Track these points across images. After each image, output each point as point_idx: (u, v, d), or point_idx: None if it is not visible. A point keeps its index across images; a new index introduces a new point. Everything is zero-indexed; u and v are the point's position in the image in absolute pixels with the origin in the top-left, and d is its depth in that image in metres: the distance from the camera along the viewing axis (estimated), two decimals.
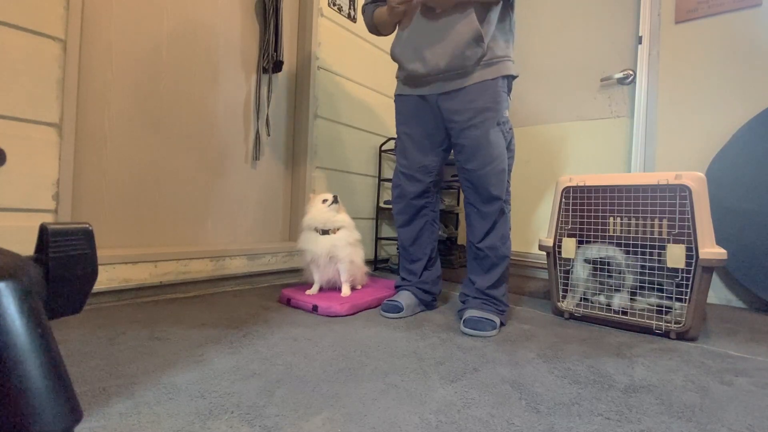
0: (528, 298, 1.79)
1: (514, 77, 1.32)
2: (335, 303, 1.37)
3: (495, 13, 1.24)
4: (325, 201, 1.52)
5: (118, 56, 1.48)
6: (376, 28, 1.48)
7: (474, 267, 1.38)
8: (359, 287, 1.66)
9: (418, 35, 1.29)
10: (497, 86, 1.26)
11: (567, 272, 1.49)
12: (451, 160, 1.48)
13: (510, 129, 1.33)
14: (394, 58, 1.39)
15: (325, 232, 1.49)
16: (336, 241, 1.48)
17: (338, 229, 1.51)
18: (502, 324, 1.29)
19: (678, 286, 1.28)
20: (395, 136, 1.54)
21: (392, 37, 1.45)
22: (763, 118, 1.72)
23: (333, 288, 1.58)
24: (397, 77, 1.46)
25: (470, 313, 1.26)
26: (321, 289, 1.55)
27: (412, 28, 1.31)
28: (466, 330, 1.21)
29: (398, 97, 1.47)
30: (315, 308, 1.37)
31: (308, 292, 1.52)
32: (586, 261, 1.44)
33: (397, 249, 2.40)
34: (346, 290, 1.52)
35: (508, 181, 1.34)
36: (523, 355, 1.05)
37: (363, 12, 1.51)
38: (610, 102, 2.20)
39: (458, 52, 1.22)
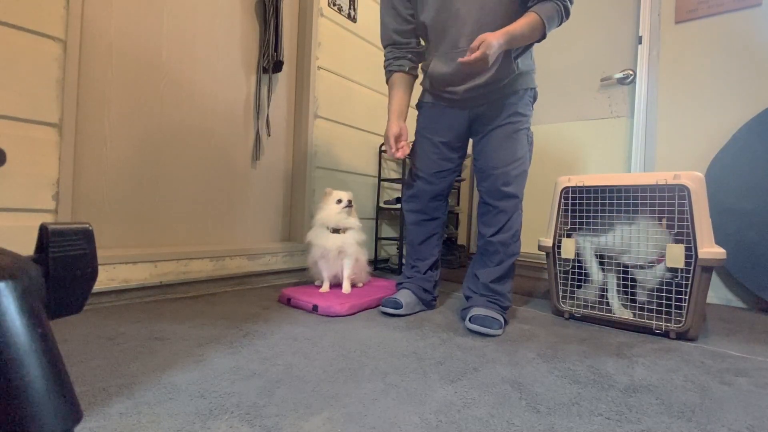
0: (528, 298, 1.79)
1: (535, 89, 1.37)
2: (335, 303, 1.37)
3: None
4: (339, 201, 1.56)
5: (118, 56, 1.48)
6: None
7: (481, 261, 1.38)
8: (360, 285, 1.69)
9: (452, 74, 1.28)
10: (526, 95, 1.32)
11: (566, 272, 1.49)
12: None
13: (532, 137, 1.36)
14: (430, 77, 1.37)
15: (335, 230, 1.55)
16: (346, 239, 1.55)
17: (348, 230, 1.57)
18: (505, 322, 1.30)
19: (678, 285, 1.28)
20: None
21: None
22: (763, 118, 1.72)
23: (338, 284, 1.62)
24: (423, 86, 1.46)
25: (476, 311, 1.26)
26: (330, 286, 1.60)
27: (450, 66, 1.28)
28: (473, 327, 1.21)
29: (424, 104, 1.46)
30: (315, 308, 1.37)
31: (321, 290, 1.56)
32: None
33: (397, 249, 2.41)
34: (346, 286, 1.56)
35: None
36: (523, 355, 1.05)
37: (385, 68, 1.43)
38: (610, 102, 2.20)
39: (495, 83, 1.28)
